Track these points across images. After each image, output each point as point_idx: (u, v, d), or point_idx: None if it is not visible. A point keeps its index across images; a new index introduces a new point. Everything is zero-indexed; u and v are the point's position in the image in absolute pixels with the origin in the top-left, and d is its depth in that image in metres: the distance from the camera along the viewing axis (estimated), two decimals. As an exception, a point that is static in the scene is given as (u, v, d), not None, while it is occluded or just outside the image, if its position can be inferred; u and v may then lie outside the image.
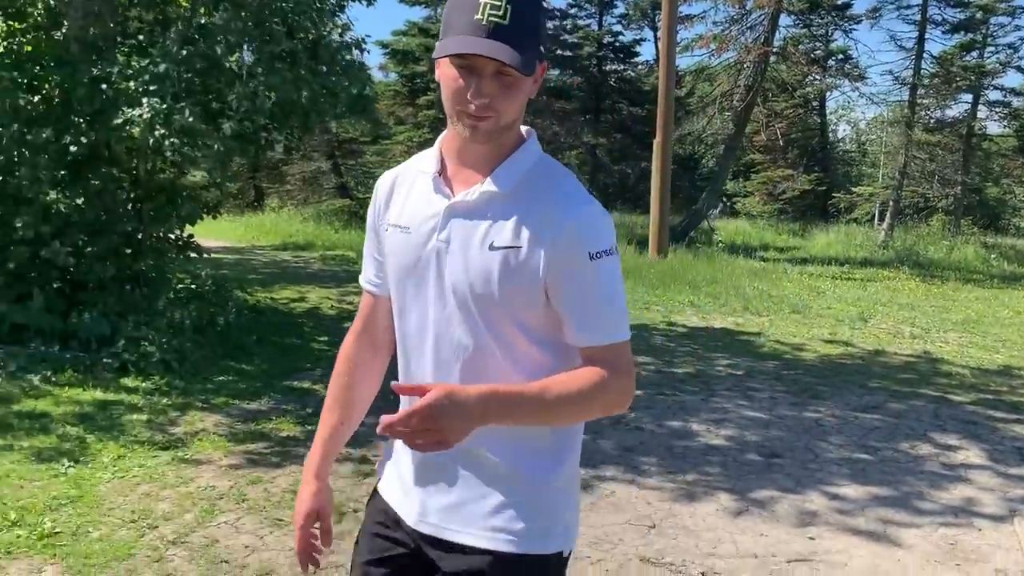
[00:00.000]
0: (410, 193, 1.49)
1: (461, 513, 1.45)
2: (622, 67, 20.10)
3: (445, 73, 1.37)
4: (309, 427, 4.90)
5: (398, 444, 1.55)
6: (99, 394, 5.30)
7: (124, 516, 3.63)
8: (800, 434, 5.20)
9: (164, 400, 5.27)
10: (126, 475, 4.09)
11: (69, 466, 4.13)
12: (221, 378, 5.87)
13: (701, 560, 3.48)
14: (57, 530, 3.45)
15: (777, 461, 4.72)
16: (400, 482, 1.54)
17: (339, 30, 7.84)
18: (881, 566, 3.50)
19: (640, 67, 22.10)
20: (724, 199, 25.50)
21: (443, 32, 1.36)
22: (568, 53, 18.71)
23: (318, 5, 7.44)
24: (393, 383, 1.38)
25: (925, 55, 19.96)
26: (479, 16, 1.30)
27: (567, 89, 18.79)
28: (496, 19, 1.30)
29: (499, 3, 1.30)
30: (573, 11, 20.22)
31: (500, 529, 1.43)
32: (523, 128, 1.46)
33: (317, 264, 12.83)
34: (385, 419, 1.27)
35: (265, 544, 3.44)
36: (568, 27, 19.51)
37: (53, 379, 5.49)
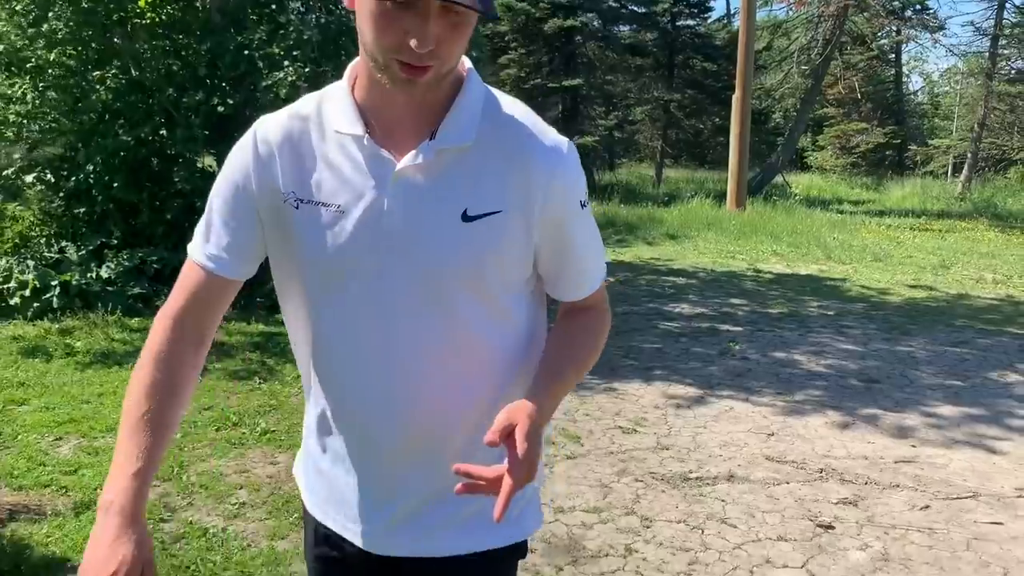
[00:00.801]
0: (322, 159, 1.15)
1: (426, 521, 1.24)
2: (695, 22, 20.18)
3: (371, 5, 1.02)
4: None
5: (323, 463, 1.29)
6: (262, 327, 6.02)
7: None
8: (895, 364, 5.67)
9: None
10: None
11: (261, 382, 4.84)
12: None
13: (818, 460, 4.02)
14: (272, 429, 4.15)
15: (876, 386, 5.20)
16: (341, 505, 1.28)
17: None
18: (978, 467, 3.99)
19: (713, 23, 22.14)
20: (794, 154, 25.44)
21: None
22: (642, 9, 18.90)
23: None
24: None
25: (1008, 4, 19.62)
26: None
27: (641, 45, 19.01)
28: None
29: None
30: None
31: (475, 527, 1.24)
32: None
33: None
34: (507, 485, 1.06)
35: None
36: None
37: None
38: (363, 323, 1.17)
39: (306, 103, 1.18)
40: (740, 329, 6.55)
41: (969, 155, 20.03)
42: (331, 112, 1.15)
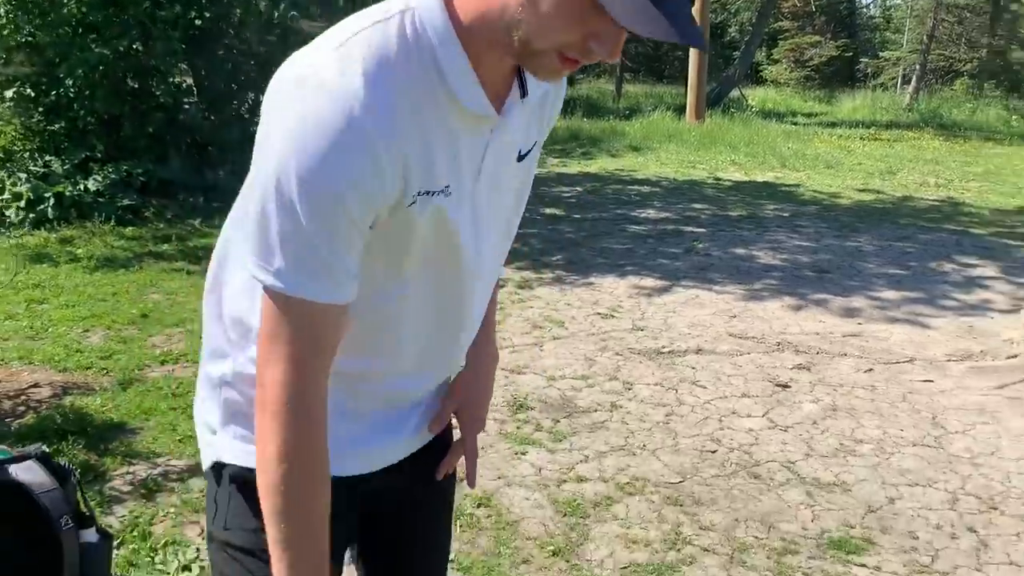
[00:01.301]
0: (441, 138, 0.97)
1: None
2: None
3: (572, 5, 0.86)
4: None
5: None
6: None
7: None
8: (844, 257, 6.18)
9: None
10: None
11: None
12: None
13: (775, 336, 4.52)
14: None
15: (827, 275, 5.71)
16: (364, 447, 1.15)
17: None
18: (915, 339, 4.53)
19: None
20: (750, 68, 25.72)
21: None
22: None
23: None
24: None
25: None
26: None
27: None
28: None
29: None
30: None
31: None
32: None
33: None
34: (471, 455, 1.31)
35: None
36: None
37: (206, 225, 6.48)
38: (449, 285, 1.07)
39: (411, 68, 0.92)
40: (703, 230, 7.01)
41: (917, 67, 20.55)
42: (456, 84, 0.94)
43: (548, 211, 7.69)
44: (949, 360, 4.23)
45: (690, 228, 7.06)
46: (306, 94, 0.88)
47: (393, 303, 1.04)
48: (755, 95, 21.29)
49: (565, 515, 2.72)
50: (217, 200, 6.94)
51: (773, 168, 10.47)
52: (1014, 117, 17.25)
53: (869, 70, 24.18)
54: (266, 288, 0.92)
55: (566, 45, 0.90)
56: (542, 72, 0.94)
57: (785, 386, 3.85)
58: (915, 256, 6.25)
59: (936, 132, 14.82)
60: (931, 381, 3.96)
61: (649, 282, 5.45)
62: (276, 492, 0.95)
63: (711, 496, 2.87)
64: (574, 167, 10.46)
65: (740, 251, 6.32)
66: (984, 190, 9.16)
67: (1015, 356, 4.28)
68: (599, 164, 10.75)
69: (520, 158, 1.10)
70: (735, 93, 18.99)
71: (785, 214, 7.71)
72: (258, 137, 0.92)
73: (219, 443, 1.11)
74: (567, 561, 2.49)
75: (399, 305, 1.05)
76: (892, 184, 9.48)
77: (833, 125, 15.55)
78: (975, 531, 2.73)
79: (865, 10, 33.80)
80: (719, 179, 9.67)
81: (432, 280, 1.05)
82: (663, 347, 4.28)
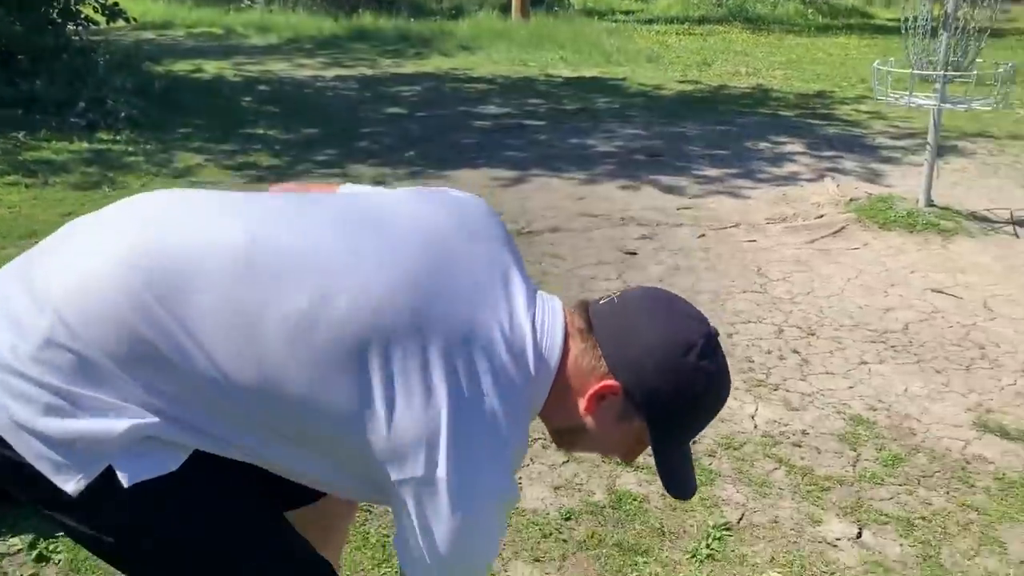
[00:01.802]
0: None
1: None
2: None
3: (629, 433, 1.15)
4: (285, 158, 5.94)
5: None
6: (87, 145, 6.04)
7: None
8: (672, 141, 6.71)
9: (148, 147, 6.08)
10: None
11: (109, 192, 5.03)
12: (182, 130, 6.66)
13: (619, 213, 4.95)
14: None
15: (659, 158, 6.21)
16: None
17: None
18: (738, 208, 5.10)
19: None
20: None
21: (684, 433, 1.18)
22: None
23: None
24: None
25: None
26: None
27: None
28: None
29: None
30: None
31: None
32: None
33: (189, 41, 12.92)
34: None
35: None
36: None
37: (32, 138, 6.12)
38: None
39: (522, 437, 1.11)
40: (543, 123, 7.34)
41: (724, -36, 21.47)
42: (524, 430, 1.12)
43: (391, 110, 7.77)
44: (768, 223, 4.82)
45: (531, 121, 7.37)
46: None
47: None
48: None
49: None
50: (39, 111, 6.54)
51: (599, 64, 10.90)
52: (810, 11, 18.54)
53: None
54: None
55: (611, 454, 1.25)
56: (564, 448, 1.28)
57: (633, 253, 4.30)
58: (733, 137, 6.87)
59: (743, 26, 15.76)
60: (754, 241, 4.52)
61: (501, 173, 5.74)
62: None
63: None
64: (409, 67, 10.46)
65: (578, 141, 6.71)
66: (788, 77, 10.00)
67: (822, 216, 4.94)
68: (434, 64, 10.80)
69: None
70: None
71: (615, 106, 8.17)
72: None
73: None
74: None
75: None
76: (708, 75, 10.16)
77: (650, 22, 16.18)
78: (798, 352, 3.28)
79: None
80: (550, 75, 10.00)
81: None
82: (523, 228, 4.61)
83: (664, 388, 1.10)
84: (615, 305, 1.16)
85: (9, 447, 1.02)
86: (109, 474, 1.01)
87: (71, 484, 1.01)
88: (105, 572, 1.99)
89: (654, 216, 4.90)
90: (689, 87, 9.29)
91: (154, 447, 1.03)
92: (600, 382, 1.11)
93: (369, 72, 10.02)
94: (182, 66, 9.90)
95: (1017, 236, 4.66)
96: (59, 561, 2.05)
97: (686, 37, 14.02)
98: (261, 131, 6.74)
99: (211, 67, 9.99)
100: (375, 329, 1.02)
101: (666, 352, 1.11)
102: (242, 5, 16.22)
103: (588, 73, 10.19)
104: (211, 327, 1.02)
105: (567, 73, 10.18)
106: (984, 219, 4.87)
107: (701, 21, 16.56)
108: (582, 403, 1.13)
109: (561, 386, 1.12)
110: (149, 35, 13.27)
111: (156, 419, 1.02)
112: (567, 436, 1.20)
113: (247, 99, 8.13)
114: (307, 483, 1.15)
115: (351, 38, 12.91)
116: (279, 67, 10.23)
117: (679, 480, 1.19)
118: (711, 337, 1.15)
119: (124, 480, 1.01)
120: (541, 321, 1.12)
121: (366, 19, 14.28)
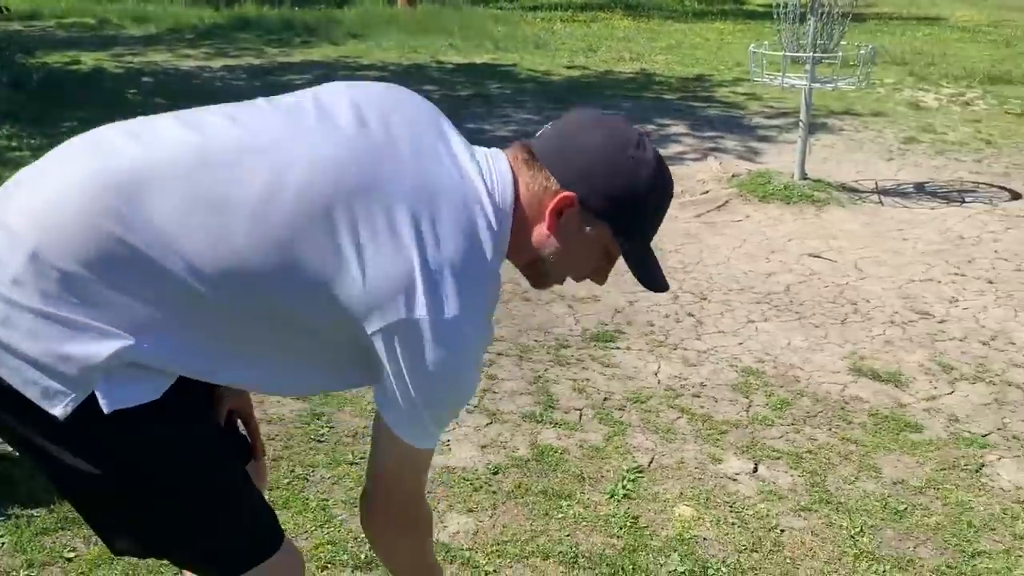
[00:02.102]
0: None
1: None
2: None
3: (590, 246, 1.22)
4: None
5: None
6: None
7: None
8: (565, 124, 6.96)
9: (32, 141, 5.88)
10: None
11: (-3, 188, 4.87)
12: (68, 124, 6.45)
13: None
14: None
15: (553, 141, 6.44)
16: None
17: None
18: (631, 186, 5.38)
19: None
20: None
21: (644, 227, 1.23)
22: None
23: None
24: None
25: None
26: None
27: None
28: None
29: None
30: None
31: None
32: None
33: (60, 32, 12.37)
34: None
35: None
36: None
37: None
38: None
39: (495, 274, 1.17)
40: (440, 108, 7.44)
41: (603, -48, 22.02)
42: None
43: (284, 100, 7.71)
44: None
45: (426, 108, 7.47)
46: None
47: None
48: (459, -19, 21.71)
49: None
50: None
51: (489, 51, 11.07)
52: (684, -3, 19.25)
53: (561, -45, 25.59)
54: (416, 448, 1.18)
55: (577, 276, 1.28)
56: (539, 286, 1.31)
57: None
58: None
59: (624, 12, 16.23)
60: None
61: (400, 158, 5.83)
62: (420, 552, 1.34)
63: (496, 318, 3.43)
64: (297, 56, 10.36)
65: (476, 126, 6.87)
66: (669, 62, 10.43)
67: (707, 192, 5.27)
68: (322, 52, 10.72)
69: None
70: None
71: (508, 91, 8.37)
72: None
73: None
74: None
75: None
76: (595, 60, 10.48)
77: (535, 8, 16.45)
78: (692, 315, 3.55)
79: None
80: (441, 62, 10.10)
81: None
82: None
83: (616, 184, 1.17)
84: (549, 131, 1.24)
85: None
86: (94, 399, 1.04)
87: (59, 408, 1.03)
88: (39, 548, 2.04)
89: (553, 196, 5.12)
90: (577, 72, 9.58)
91: (138, 374, 1.06)
92: (555, 198, 1.17)
93: (256, 62, 9.87)
94: (57, 58, 9.50)
95: (882, 204, 5.11)
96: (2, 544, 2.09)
97: (571, 24, 14.34)
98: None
99: (89, 59, 9.63)
100: (336, 190, 1.08)
101: (609, 153, 1.18)
102: (115, -6, 15.59)
103: (479, 60, 10.34)
104: (179, 221, 1.05)
105: (458, 60, 10.30)
106: (852, 189, 5.31)
107: (584, 7, 16.96)
108: (543, 227, 1.18)
109: (520, 218, 1.18)
110: (16, 26, 12.63)
111: (141, 342, 1.04)
112: (537, 269, 1.25)
113: (132, 91, 7.91)
114: (291, 393, 1.22)
115: (234, 27, 12.63)
116: (161, 58, 9.95)
117: (653, 277, 1.25)
118: (641, 134, 1.22)
119: (104, 406, 1.04)
120: (487, 167, 1.18)
121: (248, 8, 13.98)
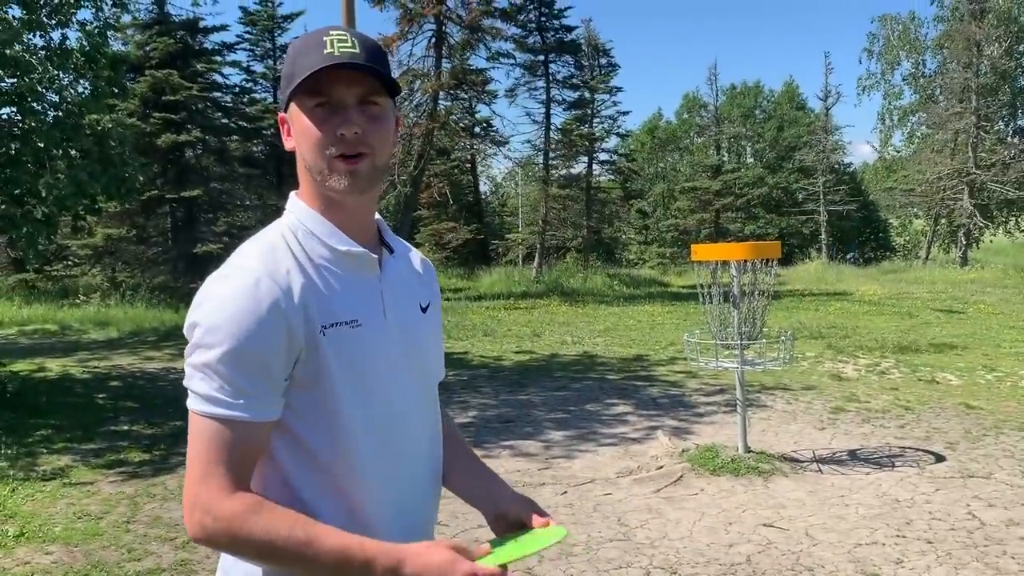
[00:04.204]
0: (328, 283, 1.26)
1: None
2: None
3: (301, 124, 1.25)
4: (156, 453, 6.07)
5: None
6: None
7: (63, 519, 4.71)
8: (520, 408, 7.42)
9: (9, 452, 6.03)
10: (37, 495, 5.06)
11: (-24, 500, 4.97)
12: (41, 432, 6.64)
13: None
14: (25, 533, 4.47)
15: (511, 424, 6.85)
16: None
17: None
18: (590, 464, 5.73)
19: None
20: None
21: (289, 81, 1.26)
22: (251, 125, 20.05)
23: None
24: None
25: (552, 127, 24.40)
26: (329, 50, 1.23)
27: (251, 156, 20.04)
28: (347, 49, 1.23)
29: (346, 37, 1.24)
30: (252, 86, 21.64)
31: None
32: None
33: (23, 339, 12.78)
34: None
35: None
36: (246, 101, 20.83)
37: None
38: (389, 421, 1.32)
39: (277, 242, 1.27)
40: (399, 400, 7.87)
41: (538, 245, 24.15)
42: (328, 238, 1.27)
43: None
44: (619, 476, 5.46)
45: (388, 399, 7.88)
46: (223, 281, 1.24)
47: (355, 426, 1.27)
48: (404, 275, 23.20)
49: None
50: None
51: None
52: (615, 282, 20.91)
53: (500, 249, 27.85)
54: (196, 415, 1.30)
55: (329, 147, 1.23)
56: (341, 182, 1.24)
57: (507, 515, 4.74)
58: (572, 400, 7.69)
59: (561, 299, 17.52)
60: (610, 493, 5.12)
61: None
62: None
63: None
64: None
65: (437, 414, 7.26)
66: (608, 344, 11.24)
67: (661, 467, 5.64)
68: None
69: (423, 309, 1.41)
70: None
71: (464, 378, 8.90)
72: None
73: None
74: None
75: (358, 429, 1.27)
76: (540, 344, 11.24)
77: (479, 298, 17.66)
78: (665, 589, 3.76)
79: (487, 199, 38.71)
80: (397, 354, 10.70)
81: (367, 407, 1.29)
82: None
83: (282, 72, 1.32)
84: None
85: None
86: None
87: None
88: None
89: (517, 478, 5.42)
90: (525, 357, 10.24)
91: None
92: (283, 127, 1.33)
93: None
94: (22, 366, 9.82)
95: (821, 472, 5.53)
96: None
97: (514, 311, 15.40)
98: (125, 427, 6.83)
99: (54, 365, 9.98)
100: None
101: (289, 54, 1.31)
102: (76, 301, 16.29)
103: (431, 350, 10.99)
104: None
105: (412, 351, 10.93)
106: (793, 459, 5.75)
107: (524, 296, 18.25)
108: (297, 153, 1.30)
109: (302, 183, 1.33)
110: (-23, 335, 13.03)
111: None
112: (309, 173, 1.30)
113: (101, 396, 8.19)
114: None
115: (194, 327, 13.22)
116: (126, 361, 10.34)
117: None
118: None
119: None
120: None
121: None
